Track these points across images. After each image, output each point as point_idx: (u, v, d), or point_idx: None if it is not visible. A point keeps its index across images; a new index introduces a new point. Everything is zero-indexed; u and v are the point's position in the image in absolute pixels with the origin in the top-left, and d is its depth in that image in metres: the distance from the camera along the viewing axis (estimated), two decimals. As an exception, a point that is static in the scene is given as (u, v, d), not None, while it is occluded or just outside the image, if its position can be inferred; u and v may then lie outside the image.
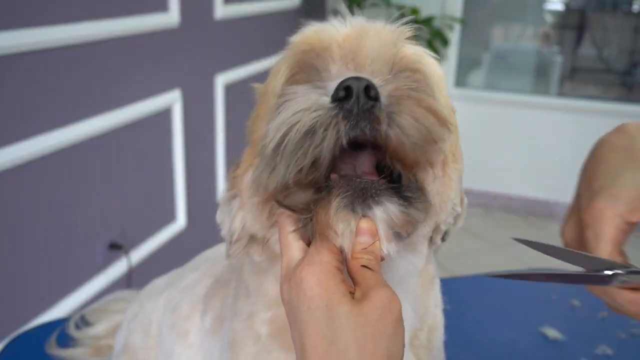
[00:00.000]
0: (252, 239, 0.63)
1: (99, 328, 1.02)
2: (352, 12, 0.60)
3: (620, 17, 4.39)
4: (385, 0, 3.37)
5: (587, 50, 4.55)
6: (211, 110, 2.53)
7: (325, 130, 0.48)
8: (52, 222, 1.78)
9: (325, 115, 0.49)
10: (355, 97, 0.48)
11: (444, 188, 0.57)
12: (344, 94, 0.48)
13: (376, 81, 0.50)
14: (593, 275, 0.58)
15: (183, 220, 2.42)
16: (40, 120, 1.68)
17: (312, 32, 0.58)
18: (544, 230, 3.66)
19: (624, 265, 0.58)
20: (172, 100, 2.25)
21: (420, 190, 0.54)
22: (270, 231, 0.59)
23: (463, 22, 3.62)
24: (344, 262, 0.51)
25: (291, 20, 3.14)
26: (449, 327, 1.12)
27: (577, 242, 0.64)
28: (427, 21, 3.41)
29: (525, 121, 3.73)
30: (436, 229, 0.62)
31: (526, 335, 1.12)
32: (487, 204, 3.92)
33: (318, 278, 0.48)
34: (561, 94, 4.06)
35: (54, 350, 1.00)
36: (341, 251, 0.50)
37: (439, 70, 0.60)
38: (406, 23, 0.59)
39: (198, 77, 2.43)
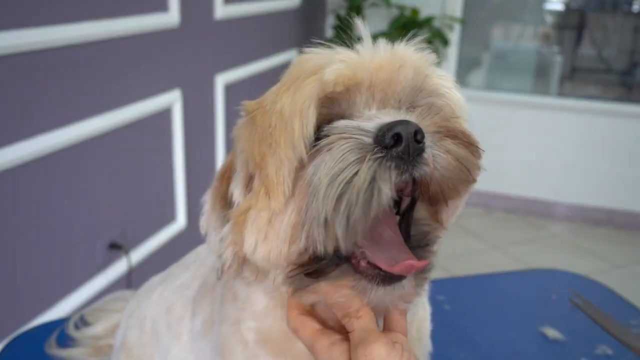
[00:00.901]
0: (245, 262, 0.62)
1: (98, 328, 1.02)
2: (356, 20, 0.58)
3: (620, 17, 4.39)
4: (385, 0, 3.37)
5: (587, 50, 4.55)
6: (211, 110, 2.53)
7: (384, 180, 0.48)
8: (52, 222, 1.78)
9: (380, 164, 0.48)
10: (406, 144, 0.47)
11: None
12: (392, 141, 0.48)
13: (418, 121, 0.50)
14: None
15: (183, 220, 2.42)
16: (40, 120, 1.68)
17: (347, 68, 0.54)
18: (544, 230, 3.66)
19: None
20: (172, 100, 2.25)
21: (429, 231, 0.58)
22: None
23: (463, 22, 3.62)
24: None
25: (291, 20, 3.15)
26: (449, 327, 1.12)
27: None
28: (427, 21, 3.41)
29: (525, 121, 3.73)
30: None
31: (526, 335, 1.12)
32: (487, 204, 3.92)
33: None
34: (561, 94, 4.06)
35: (53, 350, 1.00)
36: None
37: (459, 94, 0.60)
38: (427, 44, 0.59)
39: (198, 77, 2.43)
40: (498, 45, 4.20)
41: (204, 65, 2.46)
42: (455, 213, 0.60)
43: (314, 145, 0.52)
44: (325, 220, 0.49)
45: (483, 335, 1.11)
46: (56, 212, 1.79)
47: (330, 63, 0.54)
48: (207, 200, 0.64)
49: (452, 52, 3.72)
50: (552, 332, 1.11)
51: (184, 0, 2.22)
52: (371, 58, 0.54)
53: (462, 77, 3.89)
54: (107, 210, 2.02)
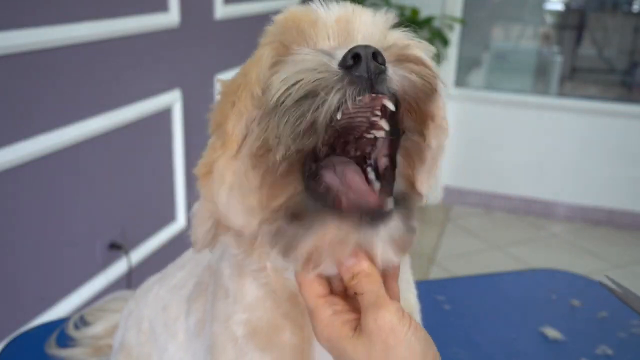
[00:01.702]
0: (223, 228, 0.61)
1: (98, 328, 1.03)
2: None
3: (620, 17, 4.39)
4: (385, 0, 3.37)
5: (587, 50, 4.55)
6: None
7: (329, 91, 0.48)
8: (52, 222, 1.78)
9: (333, 77, 0.48)
10: (365, 63, 0.48)
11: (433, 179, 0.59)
12: (352, 62, 0.48)
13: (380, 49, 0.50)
14: None
15: (183, 220, 2.42)
16: (40, 120, 1.68)
17: (298, 11, 0.56)
18: (544, 230, 3.66)
19: None
20: (172, 100, 2.25)
21: (409, 184, 0.56)
22: (269, 215, 0.54)
23: (463, 22, 3.62)
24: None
25: (291, 20, 3.14)
26: (449, 327, 1.12)
27: None
28: (427, 21, 3.41)
29: (525, 121, 3.73)
30: None
31: (526, 335, 1.12)
32: (487, 204, 3.92)
33: (329, 334, 0.53)
34: (561, 94, 4.06)
35: (53, 350, 1.01)
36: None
37: (424, 46, 0.61)
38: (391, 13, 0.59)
39: (198, 77, 2.43)
40: (498, 45, 4.20)
41: (204, 65, 2.46)
42: (431, 176, 0.59)
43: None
44: (276, 116, 0.49)
45: (483, 335, 1.11)
46: (56, 212, 1.79)
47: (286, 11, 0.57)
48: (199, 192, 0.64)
49: (452, 52, 3.72)
50: (552, 332, 1.11)
51: (184, 0, 2.22)
52: (327, 9, 0.56)
53: (462, 77, 3.89)
54: (107, 210, 2.02)
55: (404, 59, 0.52)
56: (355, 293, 0.52)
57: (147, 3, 2.05)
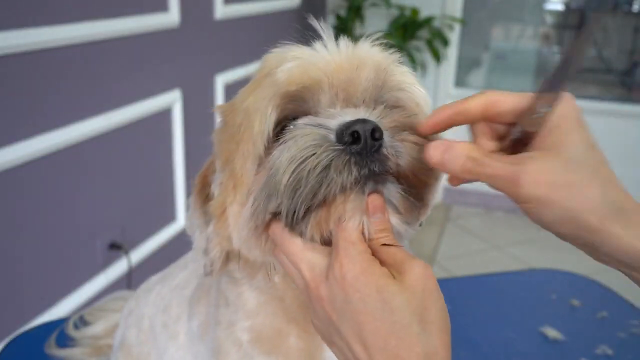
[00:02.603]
0: (229, 257, 0.65)
1: (97, 328, 1.02)
2: (338, 32, 0.62)
3: (620, 17, 4.39)
4: (385, 0, 3.37)
5: (587, 50, 4.54)
6: (211, 110, 2.53)
7: (340, 172, 0.51)
8: (52, 222, 1.78)
9: (338, 156, 0.51)
10: (364, 142, 0.50)
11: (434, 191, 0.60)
12: (351, 139, 0.51)
13: (377, 119, 0.53)
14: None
15: (183, 220, 2.41)
16: (40, 120, 1.68)
17: (299, 67, 0.57)
18: (544, 230, 3.66)
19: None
20: (172, 100, 2.25)
21: (417, 193, 0.57)
22: (269, 254, 0.59)
23: (463, 22, 3.62)
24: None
25: (291, 20, 3.14)
26: (448, 327, 1.12)
27: None
28: (427, 21, 3.41)
29: (525, 121, 3.72)
30: None
31: (526, 335, 1.12)
32: (487, 204, 3.92)
33: (361, 267, 0.49)
34: None
35: (53, 350, 1.01)
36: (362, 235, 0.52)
37: (422, 89, 0.63)
38: (390, 47, 0.62)
39: (198, 77, 2.43)
40: (498, 45, 4.20)
41: (204, 65, 2.45)
42: (435, 193, 0.60)
43: (278, 140, 0.55)
44: (276, 190, 0.52)
45: (483, 335, 1.11)
46: (56, 212, 1.79)
47: (283, 62, 0.57)
48: (191, 201, 0.67)
49: (452, 52, 3.72)
50: (552, 332, 1.11)
51: (184, 0, 2.22)
52: (327, 58, 0.57)
53: (462, 77, 3.89)
54: (107, 210, 2.02)
55: (403, 127, 0.55)
56: (384, 245, 0.52)
57: (147, 3, 2.05)
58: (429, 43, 3.46)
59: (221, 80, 2.52)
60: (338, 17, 3.51)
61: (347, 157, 0.51)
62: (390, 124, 0.54)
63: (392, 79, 0.59)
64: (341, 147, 0.51)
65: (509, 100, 0.53)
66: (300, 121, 0.55)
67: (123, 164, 2.06)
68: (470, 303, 1.22)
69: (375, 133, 0.51)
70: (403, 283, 0.49)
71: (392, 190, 0.53)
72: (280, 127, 0.56)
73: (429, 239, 3.47)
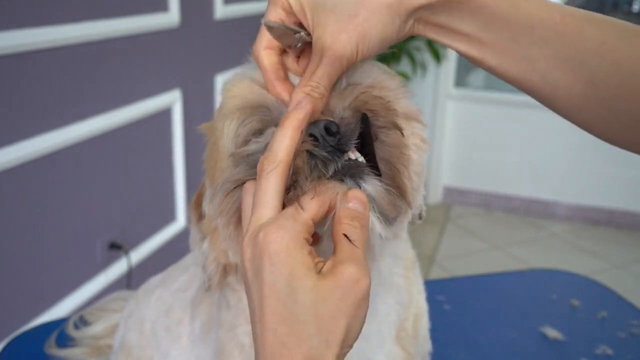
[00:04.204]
0: (227, 270, 0.66)
1: (97, 328, 1.03)
2: None
3: (620, 17, 4.38)
4: (385, 0, 3.37)
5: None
6: (211, 110, 2.53)
7: (311, 171, 0.51)
8: (52, 222, 1.78)
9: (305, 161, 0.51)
10: (323, 140, 0.51)
11: (417, 179, 0.58)
12: (312, 140, 0.51)
13: (335, 106, 0.54)
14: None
15: (183, 220, 2.42)
16: (40, 120, 1.68)
17: (239, 82, 0.61)
18: (544, 230, 3.66)
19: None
20: (172, 100, 2.25)
21: (398, 186, 0.56)
22: None
23: (463, 22, 3.62)
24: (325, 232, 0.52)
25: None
26: (449, 327, 1.12)
27: None
28: (427, 21, 3.41)
29: (525, 121, 3.73)
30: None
31: (526, 335, 1.12)
32: (487, 204, 3.92)
33: (287, 245, 0.47)
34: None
35: (53, 350, 1.01)
36: (327, 214, 0.50)
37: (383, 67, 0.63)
38: None
39: (198, 77, 2.43)
40: (498, 45, 4.20)
41: (204, 65, 2.46)
42: (416, 191, 0.58)
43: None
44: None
45: (483, 335, 1.11)
46: (56, 212, 1.79)
47: (229, 83, 0.61)
48: (190, 219, 0.70)
49: (452, 52, 3.71)
50: (552, 332, 1.11)
51: (184, 0, 2.22)
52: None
53: (462, 77, 3.89)
54: (107, 210, 2.02)
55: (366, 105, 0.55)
56: (344, 235, 0.49)
57: (147, 3, 2.05)
58: (429, 43, 3.46)
59: (221, 80, 2.52)
60: (338, 17, 3.50)
61: (312, 162, 0.51)
62: (353, 104, 0.54)
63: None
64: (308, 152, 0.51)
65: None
66: (262, 137, 0.56)
67: (123, 164, 2.06)
68: (470, 303, 1.22)
69: (332, 127, 0.51)
70: (324, 283, 0.47)
71: (372, 182, 0.52)
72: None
73: (429, 239, 3.47)
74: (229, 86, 0.61)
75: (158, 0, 2.10)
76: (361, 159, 0.53)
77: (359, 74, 0.58)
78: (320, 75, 0.54)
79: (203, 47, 2.43)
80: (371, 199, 0.52)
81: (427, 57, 3.57)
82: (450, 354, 1.04)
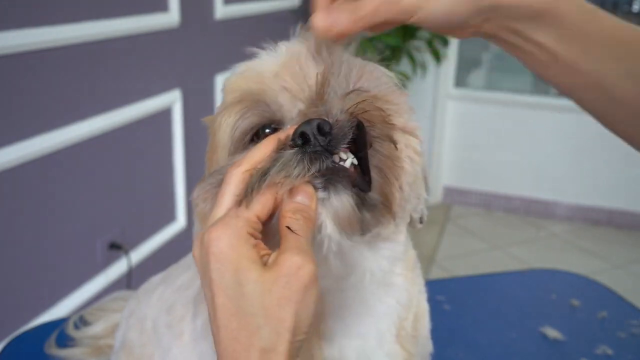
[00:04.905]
0: None
1: (97, 327, 1.02)
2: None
3: (620, 17, 4.38)
4: (385, 0, 3.37)
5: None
6: (211, 110, 2.53)
7: (292, 168, 0.51)
8: (52, 222, 1.78)
9: (291, 162, 0.51)
10: (314, 139, 0.51)
11: (409, 189, 0.58)
12: (302, 141, 0.51)
13: (333, 107, 0.53)
14: None
15: (183, 220, 2.42)
16: (40, 120, 1.68)
17: (240, 75, 0.61)
18: (544, 230, 3.66)
19: None
20: (172, 100, 2.25)
21: (383, 199, 0.55)
22: None
23: (463, 22, 3.62)
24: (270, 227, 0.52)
25: (291, 20, 3.14)
26: (449, 327, 1.12)
27: None
28: (427, 21, 3.41)
29: (525, 121, 3.73)
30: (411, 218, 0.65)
31: (526, 335, 1.12)
32: (487, 204, 3.92)
33: (229, 241, 0.48)
34: (561, 94, 4.06)
35: (53, 350, 1.01)
36: (275, 210, 0.51)
37: (380, 67, 0.63)
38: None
39: (198, 77, 2.43)
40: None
41: (204, 65, 2.46)
42: (406, 200, 0.58)
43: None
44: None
45: (483, 336, 1.11)
46: (56, 212, 1.79)
47: (231, 76, 0.62)
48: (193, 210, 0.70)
49: (452, 52, 3.72)
50: (552, 332, 1.11)
51: (184, 0, 2.22)
52: (270, 61, 0.60)
53: (462, 77, 3.89)
54: (107, 210, 2.02)
55: (355, 99, 0.55)
56: (287, 227, 0.50)
57: (147, 3, 2.05)
58: (429, 43, 3.46)
59: (221, 80, 2.52)
60: (338, 17, 3.50)
61: (305, 157, 0.51)
62: (347, 106, 0.54)
63: (344, 67, 0.59)
64: (296, 152, 0.52)
65: None
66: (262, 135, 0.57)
67: (123, 163, 2.06)
68: (470, 303, 1.22)
69: (325, 127, 0.51)
70: (268, 274, 0.47)
71: (341, 192, 0.53)
72: (254, 135, 0.59)
73: (429, 239, 3.47)
74: (231, 79, 0.62)
75: (158, 0, 2.10)
76: (349, 161, 0.53)
77: (369, 81, 0.58)
78: (369, 5, 0.54)
79: (203, 47, 2.43)
80: (333, 209, 0.52)
81: (427, 57, 3.57)
82: (450, 354, 1.04)
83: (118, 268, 2.07)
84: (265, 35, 0.66)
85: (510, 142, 3.81)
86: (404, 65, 3.52)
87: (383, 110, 0.55)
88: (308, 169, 0.51)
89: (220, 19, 2.49)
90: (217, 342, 0.48)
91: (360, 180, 0.54)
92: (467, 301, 1.22)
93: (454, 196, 3.99)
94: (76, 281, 1.91)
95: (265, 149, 0.53)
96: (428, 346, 0.74)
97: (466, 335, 1.11)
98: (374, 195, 0.55)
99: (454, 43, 3.67)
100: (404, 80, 3.43)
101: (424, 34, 3.45)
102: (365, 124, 0.54)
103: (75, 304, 1.87)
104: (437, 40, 3.44)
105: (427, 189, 0.69)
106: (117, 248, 2.05)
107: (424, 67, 3.59)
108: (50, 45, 1.66)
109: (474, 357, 1.05)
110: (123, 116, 1.99)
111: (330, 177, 0.52)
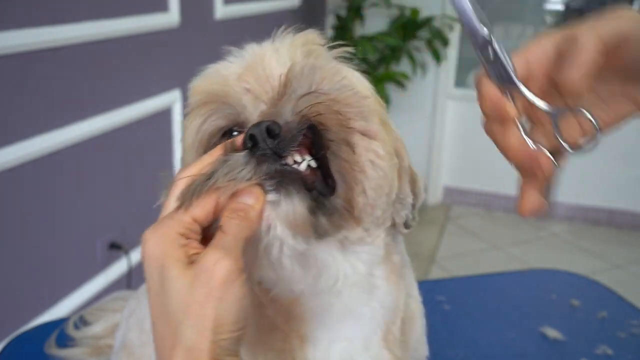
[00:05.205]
0: None
1: (97, 328, 1.03)
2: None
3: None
4: (385, 0, 3.37)
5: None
6: (211, 110, 2.54)
7: (239, 172, 0.51)
8: (52, 222, 1.78)
9: (241, 168, 0.51)
10: (263, 142, 0.51)
11: (374, 194, 0.55)
12: (252, 143, 0.51)
13: (284, 110, 0.53)
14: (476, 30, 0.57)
15: (183, 220, 2.42)
16: (40, 120, 1.68)
17: (203, 78, 0.62)
18: (544, 230, 3.66)
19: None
20: (172, 100, 2.25)
21: (345, 204, 0.54)
22: None
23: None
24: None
25: (291, 20, 3.14)
26: (449, 327, 1.12)
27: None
28: (427, 21, 3.41)
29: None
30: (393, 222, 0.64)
31: (526, 335, 1.12)
32: (487, 204, 3.92)
33: (157, 241, 0.49)
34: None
35: (53, 350, 1.01)
36: (217, 212, 0.51)
37: (352, 72, 0.62)
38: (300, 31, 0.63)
39: (198, 77, 2.43)
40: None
41: (204, 65, 2.45)
42: (373, 206, 0.56)
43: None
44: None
45: (483, 336, 1.11)
46: (56, 212, 1.79)
47: (196, 79, 0.62)
48: None
49: (452, 52, 3.72)
50: (552, 332, 1.11)
51: (184, 0, 2.22)
52: (234, 64, 0.62)
53: (462, 77, 3.89)
54: (107, 210, 2.02)
55: (310, 98, 0.54)
56: (220, 227, 0.50)
57: (147, 3, 2.05)
58: (429, 43, 3.46)
59: (221, 80, 2.52)
60: (338, 17, 3.51)
61: (253, 161, 0.51)
62: (302, 106, 0.53)
63: (315, 71, 0.57)
64: (246, 156, 0.51)
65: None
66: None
67: (123, 163, 2.06)
68: (470, 303, 1.22)
69: (275, 129, 0.51)
70: (188, 271, 0.47)
71: (293, 195, 0.51)
72: (222, 137, 0.60)
73: (429, 239, 3.47)
74: (196, 82, 0.63)
75: (158, 0, 2.10)
76: (305, 164, 0.53)
77: (332, 84, 0.56)
78: (580, 61, 0.52)
79: (203, 47, 2.43)
80: (284, 212, 0.51)
81: (427, 57, 3.57)
82: (450, 354, 1.04)
83: (118, 268, 2.07)
84: (265, 35, 0.66)
85: (510, 142, 3.80)
86: (404, 65, 3.52)
87: (341, 114, 0.54)
88: (255, 172, 0.51)
89: (220, 19, 2.49)
90: (154, 342, 0.49)
91: (321, 184, 0.53)
92: (467, 301, 1.22)
93: (454, 196, 3.99)
94: (76, 281, 1.91)
95: (216, 153, 0.53)
96: (422, 350, 0.74)
97: (466, 335, 1.11)
98: (336, 199, 0.54)
99: (454, 43, 3.67)
100: (404, 80, 3.44)
101: (424, 34, 3.45)
102: (319, 127, 0.53)
103: (75, 304, 1.87)
104: (437, 40, 3.44)
105: (418, 193, 0.67)
106: (117, 248, 2.05)
107: (424, 67, 3.58)
108: (50, 45, 1.66)
109: (474, 357, 1.05)
110: (123, 116, 1.99)
111: (282, 180, 0.51)
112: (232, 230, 0.49)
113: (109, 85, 1.93)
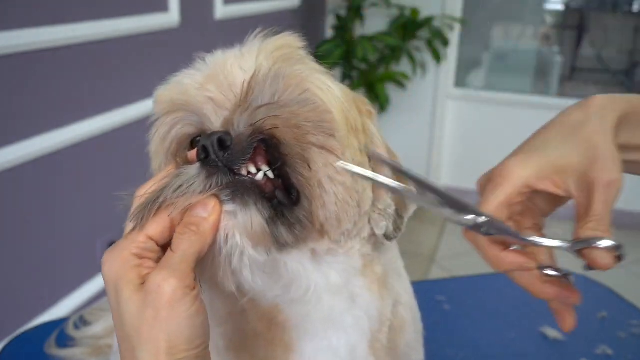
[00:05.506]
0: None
1: (97, 327, 1.03)
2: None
3: (620, 17, 4.39)
4: (385, 0, 3.37)
5: (587, 50, 4.55)
6: (211, 110, 2.54)
7: (192, 184, 0.51)
8: (52, 222, 1.78)
9: (193, 179, 0.51)
10: (213, 155, 0.50)
11: (336, 208, 0.54)
12: (204, 155, 0.51)
13: (239, 120, 0.52)
14: (457, 203, 0.58)
15: (183, 220, 2.42)
16: (40, 120, 1.68)
17: (166, 88, 0.63)
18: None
19: (489, 217, 0.58)
20: (172, 100, 2.25)
21: (308, 216, 0.53)
22: None
23: (463, 22, 3.62)
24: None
25: (291, 20, 3.14)
26: (449, 327, 1.12)
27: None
28: (427, 21, 3.41)
29: (525, 121, 3.72)
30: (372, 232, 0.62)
31: (526, 335, 1.12)
32: (487, 204, 3.91)
33: (111, 263, 0.49)
34: (561, 94, 4.06)
35: (53, 350, 1.01)
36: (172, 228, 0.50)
37: (319, 79, 0.59)
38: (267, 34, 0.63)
39: (198, 77, 2.43)
40: (498, 45, 4.20)
41: (204, 65, 2.46)
42: (343, 216, 0.55)
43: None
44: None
45: (483, 336, 1.11)
46: (56, 212, 1.79)
47: (159, 88, 0.62)
48: None
49: (452, 52, 3.72)
50: (552, 332, 1.11)
51: (184, 0, 2.22)
52: (196, 73, 0.62)
53: (462, 77, 3.89)
54: (107, 210, 2.01)
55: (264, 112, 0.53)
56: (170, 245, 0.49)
57: (147, 3, 2.05)
58: (429, 43, 3.46)
59: (221, 80, 2.52)
60: (338, 17, 3.50)
61: (204, 173, 0.51)
62: (258, 117, 0.52)
63: (279, 78, 0.56)
64: (199, 167, 0.51)
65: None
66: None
67: (123, 163, 2.06)
68: (470, 303, 1.22)
69: (226, 141, 0.50)
70: (138, 294, 0.47)
71: (250, 205, 0.50)
72: (190, 143, 0.59)
73: (429, 239, 3.47)
74: (160, 91, 0.63)
75: (158, 0, 2.10)
76: (261, 174, 0.52)
77: (294, 95, 0.55)
78: (600, 209, 0.56)
79: (203, 47, 2.43)
80: (241, 223, 0.51)
81: (427, 57, 3.57)
82: (450, 354, 1.04)
83: (118, 268, 2.07)
84: (265, 35, 0.66)
85: (511, 142, 3.77)
86: (404, 65, 3.52)
87: (298, 128, 0.52)
88: (206, 184, 0.50)
89: (220, 19, 2.49)
90: None
91: (282, 194, 0.53)
92: (467, 301, 1.22)
93: (454, 196, 3.98)
94: (76, 281, 1.91)
95: (169, 168, 0.53)
96: (414, 355, 0.73)
97: (466, 335, 1.11)
98: (299, 210, 0.53)
99: (454, 43, 3.67)
100: (404, 80, 3.44)
101: (424, 33, 3.45)
102: (272, 140, 0.52)
103: (75, 304, 1.87)
104: (437, 40, 3.44)
105: (403, 206, 0.66)
106: (117, 248, 2.05)
107: (423, 67, 3.58)
108: (50, 45, 1.66)
109: (473, 357, 1.05)
110: (123, 116, 1.99)
111: (237, 190, 0.51)
112: (180, 246, 0.48)
113: (109, 85, 1.93)
